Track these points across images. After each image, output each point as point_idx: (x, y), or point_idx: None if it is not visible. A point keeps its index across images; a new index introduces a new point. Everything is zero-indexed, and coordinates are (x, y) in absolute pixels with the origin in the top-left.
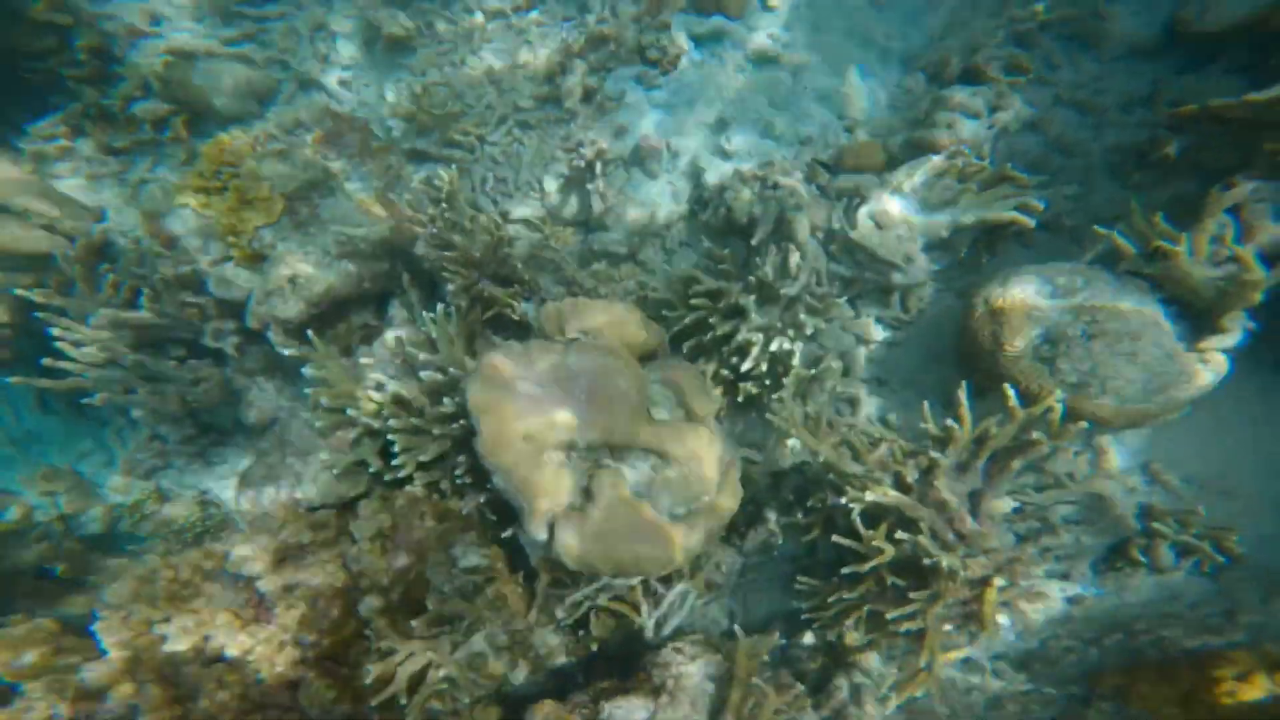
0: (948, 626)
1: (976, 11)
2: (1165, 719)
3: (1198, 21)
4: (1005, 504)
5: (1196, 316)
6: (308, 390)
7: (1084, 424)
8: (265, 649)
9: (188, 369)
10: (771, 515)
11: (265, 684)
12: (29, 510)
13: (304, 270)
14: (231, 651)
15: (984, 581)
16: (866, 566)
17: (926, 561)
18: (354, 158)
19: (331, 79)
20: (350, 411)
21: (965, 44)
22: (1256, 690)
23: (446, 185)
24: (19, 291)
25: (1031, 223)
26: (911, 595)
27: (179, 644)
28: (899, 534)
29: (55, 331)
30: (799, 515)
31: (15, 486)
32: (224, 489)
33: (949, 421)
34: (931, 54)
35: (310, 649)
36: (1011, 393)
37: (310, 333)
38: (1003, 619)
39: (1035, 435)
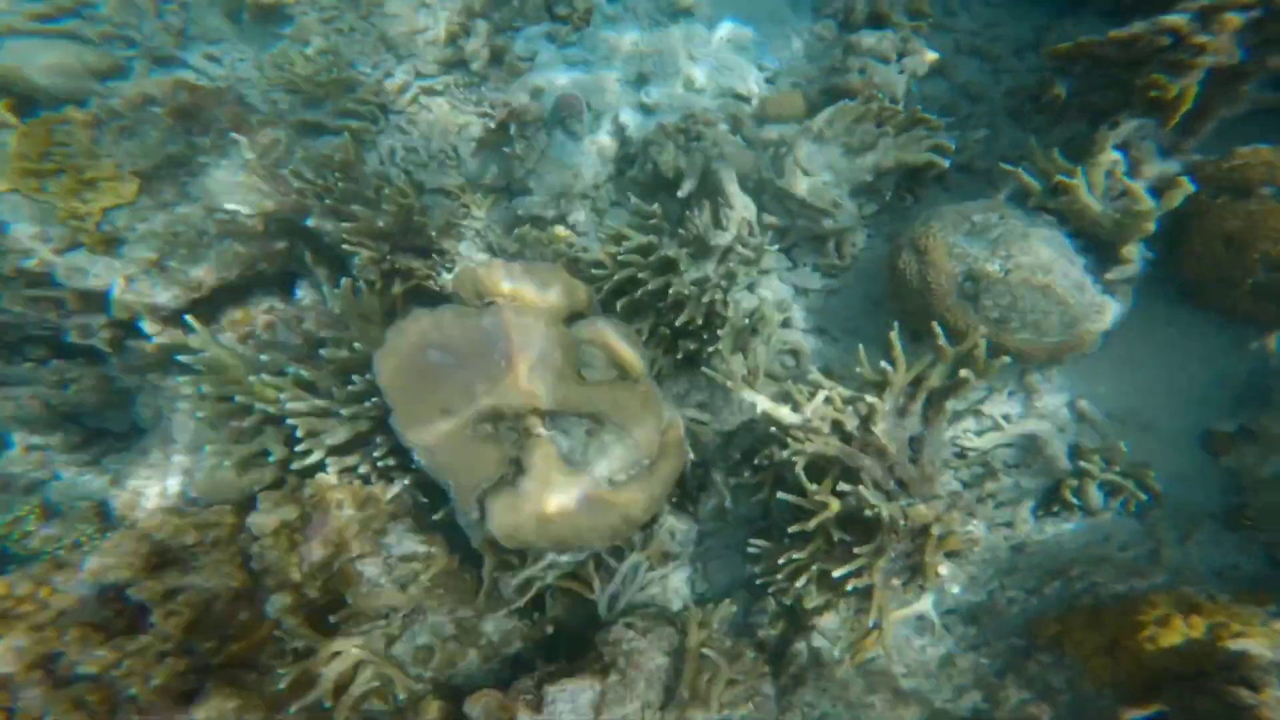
0: (895, 581)
1: None
2: (1096, 668)
3: None
4: (945, 447)
5: (1100, 249)
6: (180, 379)
7: (1006, 359)
8: (137, 662)
9: (51, 370)
10: (719, 477)
11: (141, 700)
12: None
13: (179, 254)
14: (89, 668)
15: (925, 530)
16: (813, 523)
17: (868, 513)
18: (225, 132)
19: (195, 55)
20: (239, 398)
21: None
22: (1174, 635)
23: (340, 154)
24: None
25: (945, 163)
26: (856, 550)
27: (6, 666)
28: (840, 484)
29: None
30: (746, 474)
31: None
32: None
33: (884, 364)
34: (838, 2)
35: (209, 655)
36: (940, 330)
37: (187, 317)
38: (943, 570)
39: (963, 373)
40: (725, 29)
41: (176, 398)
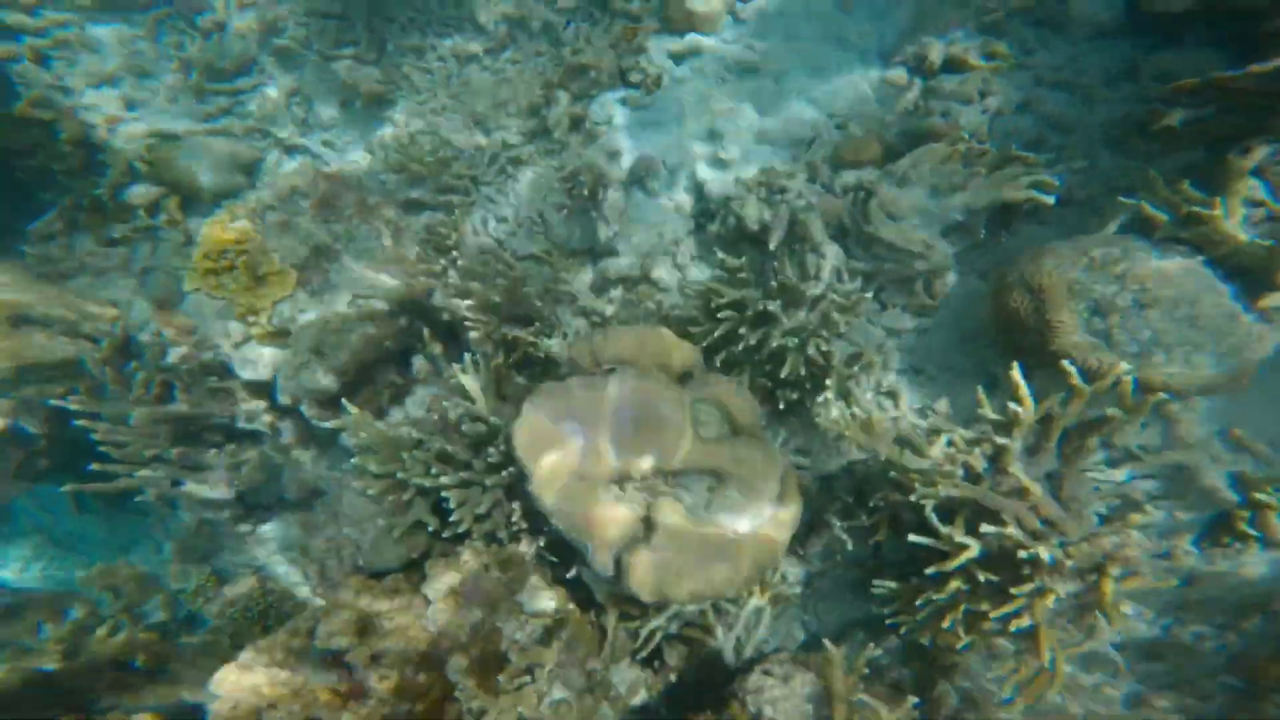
0: (1063, 621)
1: (941, 4)
2: None
3: (1159, 3)
4: (1087, 484)
5: (1247, 275)
6: (353, 461)
7: (1161, 395)
8: None
9: (227, 454)
10: (834, 520)
11: None
12: (93, 607)
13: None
14: None
15: (1097, 569)
16: (952, 565)
17: (1022, 554)
18: (353, 218)
19: (315, 141)
20: (400, 475)
21: (940, 36)
22: None
23: (453, 233)
24: (53, 402)
25: (1050, 200)
26: (1013, 591)
27: None
28: (983, 527)
29: (98, 435)
30: (862, 517)
31: (73, 586)
32: (277, 564)
33: (1010, 404)
34: (909, 47)
35: (406, 717)
36: (1074, 370)
37: (345, 402)
38: (1127, 609)
39: (1110, 411)
40: (792, 82)
41: (342, 476)
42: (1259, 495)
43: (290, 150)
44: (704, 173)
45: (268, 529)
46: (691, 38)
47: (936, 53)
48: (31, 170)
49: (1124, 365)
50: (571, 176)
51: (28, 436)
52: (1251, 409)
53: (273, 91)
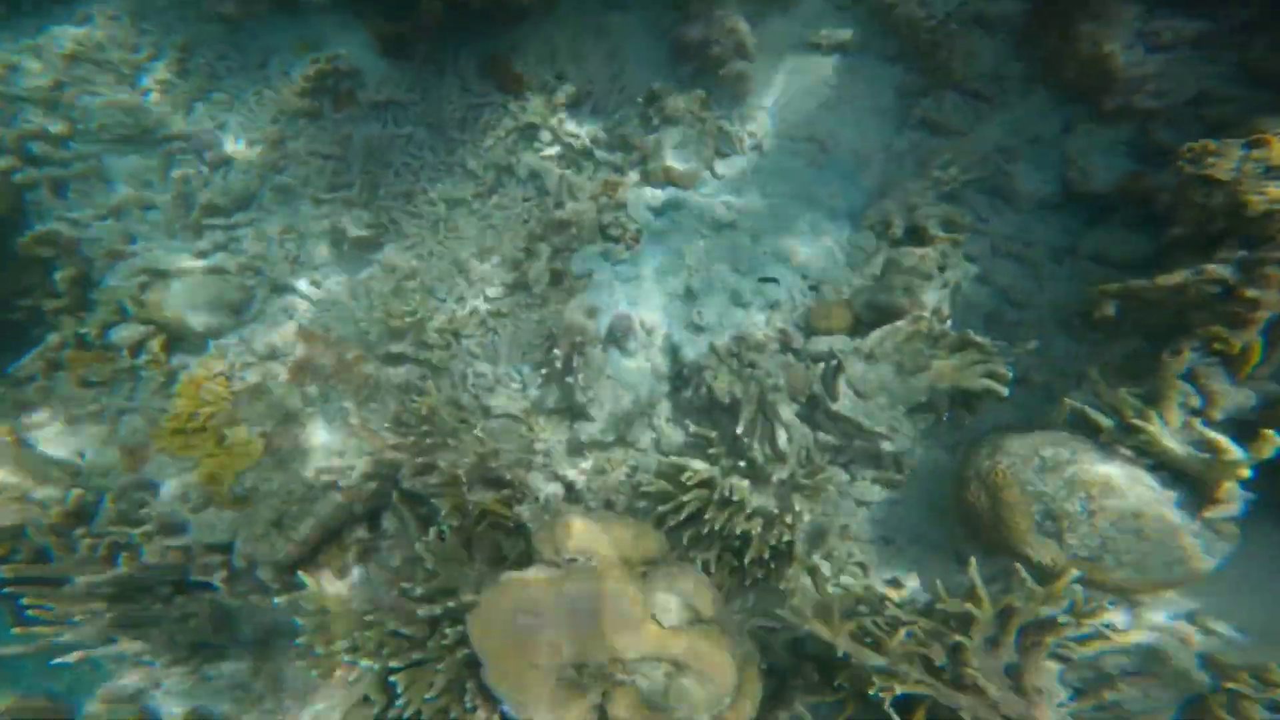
0: None
1: (902, 170)
2: None
3: (1085, 183)
4: (1049, 673)
5: (1191, 480)
6: (298, 641)
7: (1107, 601)
8: None
9: (175, 607)
10: (799, 699)
11: None
12: None
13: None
14: None
15: None
16: None
17: None
18: (330, 379)
19: (302, 281)
20: (347, 658)
21: (903, 203)
22: None
23: (424, 408)
24: None
25: (1005, 391)
26: None
27: None
28: None
29: (26, 601)
30: (827, 695)
31: None
32: (220, 702)
33: (967, 605)
34: (874, 213)
35: None
36: (1026, 575)
37: (301, 574)
38: None
39: (1061, 618)
40: (767, 242)
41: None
42: (1233, 686)
43: (278, 289)
44: (679, 335)
45: (214, 667)
46: (671, 191)
47: (898, 220)
48: (25, 310)
49: (1074, 571)
50: (549, 337)
51: None
52: (1216, 597)
53: (268, 229)
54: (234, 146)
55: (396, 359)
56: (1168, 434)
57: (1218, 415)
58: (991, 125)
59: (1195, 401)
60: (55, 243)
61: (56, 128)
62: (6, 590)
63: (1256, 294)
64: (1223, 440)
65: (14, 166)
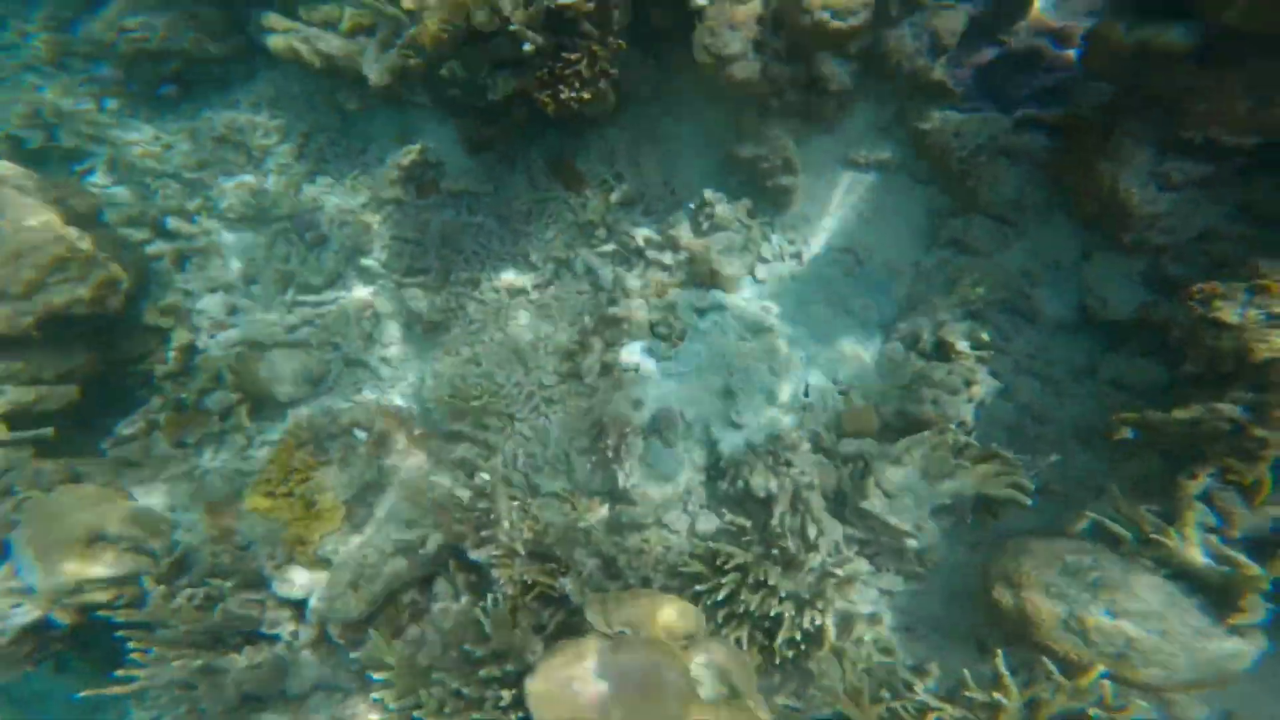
0: None
1: (931, 286)
2: None
3: (1103, 310)
4: None
5: (1212, 591)
6: (374, 696)
7: (1141, 704)
8: None
9: (244, 656)
10: None
11: None
12: None
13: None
14: None
15: None
16: None
17: None
18: (400, 452)
19: (374, 356)
20: (416, 715)
21: (931, 318)
22: None
23: (488, 487)
24: (102, 613)
25: (1028, 501)
26: None
27: None
28: None
29: (131, 645)
30: None
31: None
32: None
33: (995, 695)
34: (905, 326)
35: None
36: (1052, 668)
37: (372, 631)
38: None
39: (1091, 710)
40: (803, 347)
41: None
42: None
43: (351, 364)
44: (718, 431)
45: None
46: (715, 294)
47: (927, 335)
48: (138, 375)
49: (1100, 666)
50: (598, 424)
51: (55, 627)
52: (1250, 695)
53: (350, 306)
54: (329, 228)
55: (457, 437)
56: (1187, 550)
57: (1236, 534)
58: (1015, 249)
59: (1212, 521)
60: (175, 313)
61: (192, 205)
62: (117, 634)
63: (1265, 434)
64: (1240, 558)
65: (148, 239)
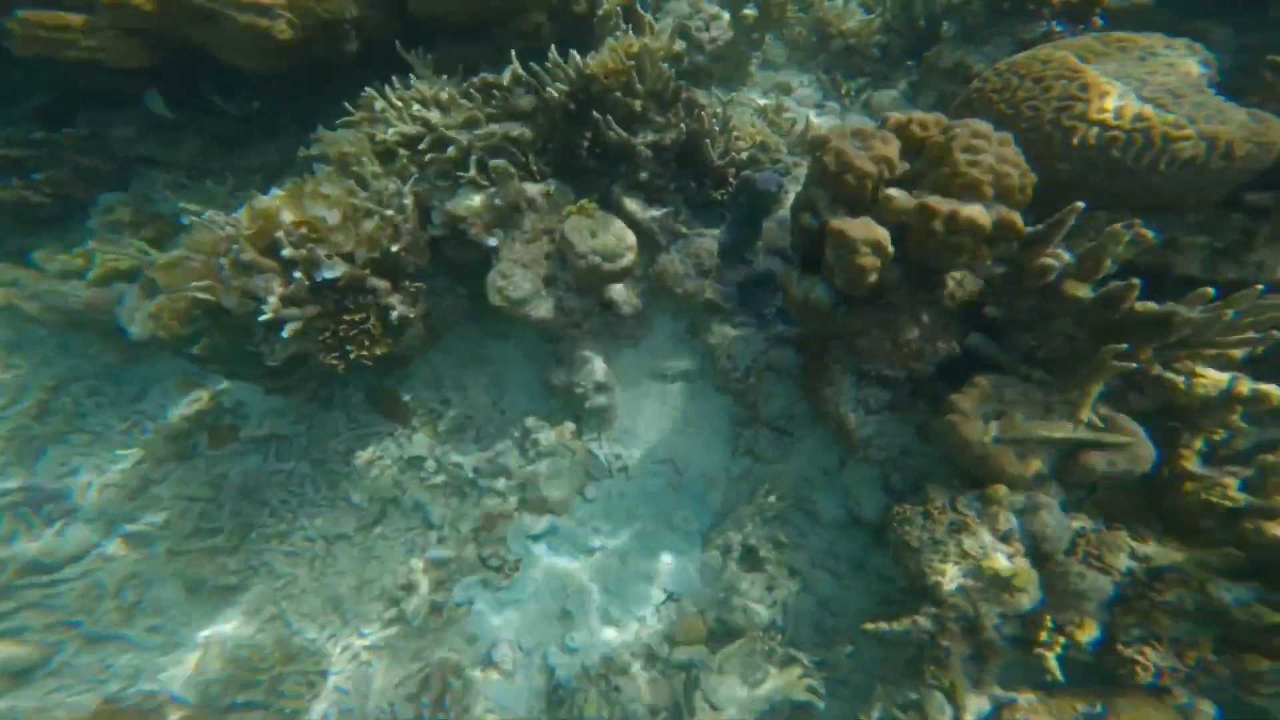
0: None
1: (739, 493)
2: None
3: (860, 512)
4: None
5: None
6: None
7: None
8: None
9: None
10: None
11: None
12: None
13: None
14: None
15: None
16: None
17: None
18: None
19: (138, 630)
20: None
21: (739, 526)
22: None
23: None
24: None
25: (821, 703)
26: None
27: None
28: None
29: None
30: None
31: None
32: None
33: None
34: (717, 537)
35: None
36: None
37: None
38: None
39: None
40: (633, 564)
41: None
42: None
43: (93, 641)
44: (554, 656)
45: None
46: (548, 519)
47: (736, 543)
48: None
49: None
50: (424, 677)
51: None
52: None
53: (107, 579)
54: (83, 496)
55: (247, 707)
56: None
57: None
58: (795, 456)
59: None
60: None
61: None
62: None
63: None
64: None
65: None
